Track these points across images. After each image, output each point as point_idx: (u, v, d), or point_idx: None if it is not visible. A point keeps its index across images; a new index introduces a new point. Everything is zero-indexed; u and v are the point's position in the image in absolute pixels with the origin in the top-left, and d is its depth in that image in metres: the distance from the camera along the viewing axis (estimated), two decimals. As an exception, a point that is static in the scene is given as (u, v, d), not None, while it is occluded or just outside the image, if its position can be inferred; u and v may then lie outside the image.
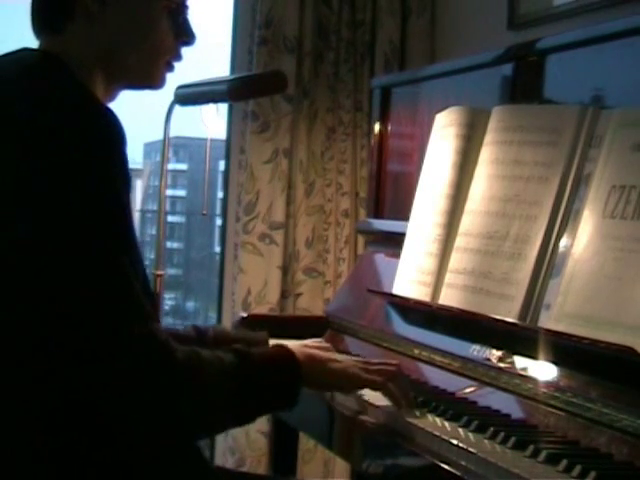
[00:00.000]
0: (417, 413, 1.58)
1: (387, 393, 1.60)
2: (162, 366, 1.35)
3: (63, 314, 1.32)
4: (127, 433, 1.37)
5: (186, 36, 1.58)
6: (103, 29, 1.50)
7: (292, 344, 1.98)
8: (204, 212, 2.83)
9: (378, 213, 2.58)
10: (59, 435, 1.36)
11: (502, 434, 1.44)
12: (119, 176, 1.37)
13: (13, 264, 1.34)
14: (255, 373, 1.46)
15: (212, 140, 2.61)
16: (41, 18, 1.52)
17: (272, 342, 1.96)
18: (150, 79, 1.58)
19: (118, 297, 1.34)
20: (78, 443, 1.36)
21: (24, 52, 1.49)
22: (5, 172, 1.35)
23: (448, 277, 1.94)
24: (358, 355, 2.14)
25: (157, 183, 2.53)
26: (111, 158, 1.37)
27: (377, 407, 1.66)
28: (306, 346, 1.96)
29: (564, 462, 1.30)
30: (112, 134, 1.38)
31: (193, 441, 1.49)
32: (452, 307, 1.88)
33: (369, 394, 1.68)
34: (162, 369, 1.35)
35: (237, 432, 3.04)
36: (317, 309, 3.09)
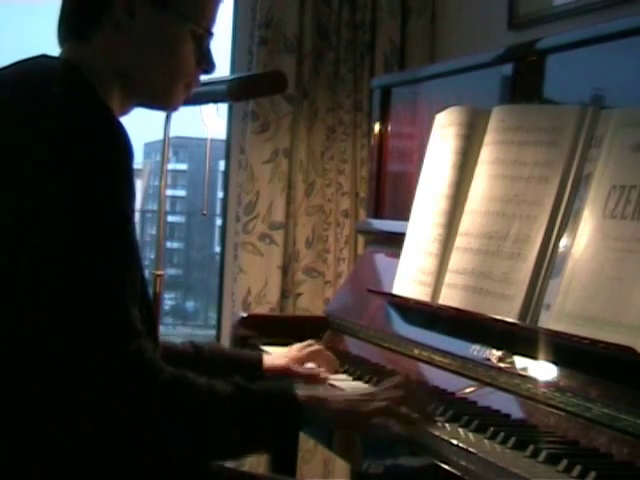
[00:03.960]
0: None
1: (394, 416, 1.53)
2: (144, 384, 1.34)
3: (55, 325, 1.32)
4: (110, 444, 1.36)
5: (206, 64, 1.59)
6: (128, 43, 1.50)
7: (280, 353, 1.99)
8: (204, 212, 2.83)
9: (378, 213, 2.58)
10: (44, 440, 1.35)
11: (502, 434, 1.44)
12: (124, 191, 1.38)
13: (11, 267, 1.34)
14: (251, 409, 1.43)
15: (212, 140, 2.61)
16: (69, 25, 1.52)
17: (267, 348, 1.99)
18: (166, 100, 1.59)
19: (108, 313, 1.33)
20: (63, 449, 1.36)
21: (42, 59, 1.49)
22: (15, 178, 1.36)
23: (448, 277, 1.93)
24: (357, 356, 2.14)
25: (157, 183, 2.53)
26: (117, 173, 1.37)
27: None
28: (297, 358, 1.96)
29: (564, 462, 1.30)
30: (120, 149, 1.38)
31: (174, 463, 1.45)
32: (452, 307, 1.87)
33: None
34: (143, 387, 1.34)
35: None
36: (317, 309, 3.09)
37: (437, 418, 1.56)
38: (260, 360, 1.94)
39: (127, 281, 1.36)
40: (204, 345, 1.91)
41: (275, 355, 1.99)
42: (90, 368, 1.32)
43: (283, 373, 1.90)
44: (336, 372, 1.92)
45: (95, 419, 1.34)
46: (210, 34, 1.58)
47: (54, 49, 1.55)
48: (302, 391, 1.51)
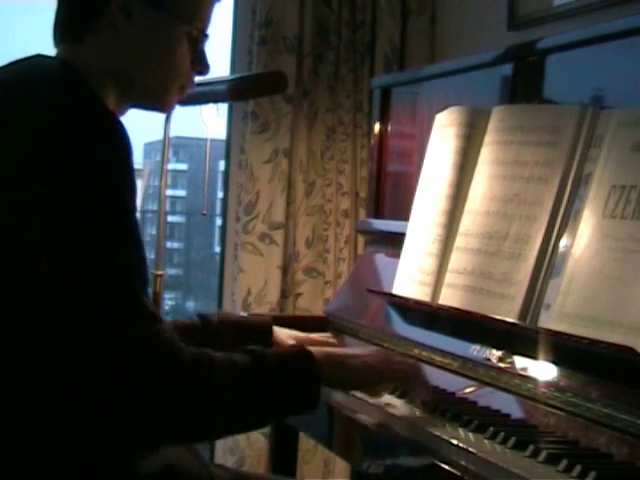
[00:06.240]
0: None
1: (411, 387, 1.60)
2: (165, 368, 1.34)
3: (66, 317, 1.32)
4: (130, 435, 1.37)
5: (201, 66, 1.60)
6: (124, 44, 1.51)
7: (291, 333, 2.02)
8: (204, 212, 2.82)
9: (378, 213, 2.58)
10: (60, 433, 1.36)
11: (502, 434, 1.44)
12: (125, 186, 1.38)
13: (18, 265, 1.34)
14: (270, 374, 1.44)
15: (212, 140, 2.61)
16: (65, 26, 1.53)
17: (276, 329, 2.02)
18: (160, 101, 1.60)
19: (122, 301, 1.34)
20: (79, 441, 1.36)
21: (38, 59, 1.49)
22: (15, 177, 1.36)
23: (448, 277, 1.93)
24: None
25: (157, 183, 2.53)
26: (118, 169, 1.38)
27: (377, 407, 1.66)
28: (313, 340, 2.00)
29: (564, 462, 1.30)
30: (120, 145, 1.39)
31: (202, 442, 1.47)
32: (452, 307, 1.87)
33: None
34: (165, 371, 1.34)
35: (237, 432, 3.04)
36: (317, 309, 3.09)
37: (437, 418, 1.57)
38: (270, 324, 1.99)
39: (136, 271, 1.37)
40: (213, 314, 1.93)
41: (285, 333, 2.02)
42: (109, 357, 1.32)
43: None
44: None
45: (119, 408, 1.33)
46: (205, 36, 1.59)
47: (52, 49, 1.55)
48: (318, 350, 1.53)
